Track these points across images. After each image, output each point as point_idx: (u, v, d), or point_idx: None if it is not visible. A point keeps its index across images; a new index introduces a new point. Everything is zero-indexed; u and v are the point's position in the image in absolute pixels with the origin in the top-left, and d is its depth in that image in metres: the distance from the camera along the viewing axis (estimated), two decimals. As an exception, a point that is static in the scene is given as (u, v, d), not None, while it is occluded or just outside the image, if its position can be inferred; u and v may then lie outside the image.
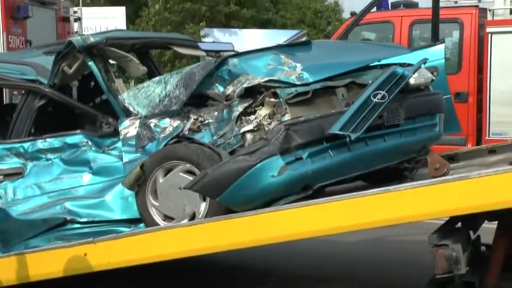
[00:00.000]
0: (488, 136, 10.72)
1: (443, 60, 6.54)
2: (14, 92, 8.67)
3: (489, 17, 11.42)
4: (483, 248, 5.24)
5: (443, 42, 6.78)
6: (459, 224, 4.93)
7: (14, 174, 5.73)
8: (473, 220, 4.96)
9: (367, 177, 5.68)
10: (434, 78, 5.97)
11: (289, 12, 35.84)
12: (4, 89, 7.68)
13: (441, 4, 7.06)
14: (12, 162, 5.74)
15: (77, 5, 14.77)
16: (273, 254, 6.60)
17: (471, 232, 5.09)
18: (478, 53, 11.01)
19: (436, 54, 6.46)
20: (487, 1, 11.96)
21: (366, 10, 7.45)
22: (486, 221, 5.10)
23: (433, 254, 4.54)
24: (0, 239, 5.72)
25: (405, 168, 5.94)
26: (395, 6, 11.73)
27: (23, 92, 6.05)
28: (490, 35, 10.86)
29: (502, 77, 10.51)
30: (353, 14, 10.85)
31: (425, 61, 5.87)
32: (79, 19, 14.34)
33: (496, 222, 5.02)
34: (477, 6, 11.49)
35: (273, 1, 35.16)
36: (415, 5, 11.73)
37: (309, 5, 37.03)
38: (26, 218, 5.64)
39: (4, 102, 7.72)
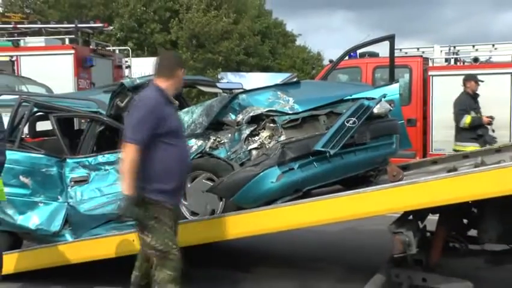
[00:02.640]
0: (432, 151, 10.69)
1: (398, 95, 6.52)
2: (82, 121, 8.66)
3: (430, 64, 11.45)
4: (428, 234, 5.20)
5: (398, 82, 6.75)
6: (411, 217, 4.90)
7: (82, 181, 5.71)
8: (421, 213, 4.94)
9: (343, 182, 5.65)
10: (391, 108, 5.97)
11: (283, 60, 35.91)
12: (75, 119, 7.66)
13: (395, 54, 7.03)
14: (80, 172, 5.72)
15: (128, 56, 14.83)
16: (273, 240, 6.52)
17: (420, 222, 5.06)
18: (423, 90, 11.02)
19: (393, 90, 6.43)
20: (428, 51, 12.03)
21: (341, 58, 7.43)
22: (430, 214, 5.07)
23: (392, 239, 4.53)
24: (72, 228, 5.71)
25: (371, 175, 5.92)
26: (362, 55, 11.70)
27: (88, 120, 6.05)
28: (431, 77, 10.93)
29: (440, 108, 10.48)
30: (331, 61, 10.80)
31: (384, 96, 5.90)
32: (129, 67, 14.39)
33: (438, 215, 4.99)
34: (421, 55, 11.53)
35: (271, 52, 35.29)
36: (377, 55, 11.71)
37: (298, 54, 37.17)
38: (90, 213, 5.62)
39: (75, 128, 7.69)
